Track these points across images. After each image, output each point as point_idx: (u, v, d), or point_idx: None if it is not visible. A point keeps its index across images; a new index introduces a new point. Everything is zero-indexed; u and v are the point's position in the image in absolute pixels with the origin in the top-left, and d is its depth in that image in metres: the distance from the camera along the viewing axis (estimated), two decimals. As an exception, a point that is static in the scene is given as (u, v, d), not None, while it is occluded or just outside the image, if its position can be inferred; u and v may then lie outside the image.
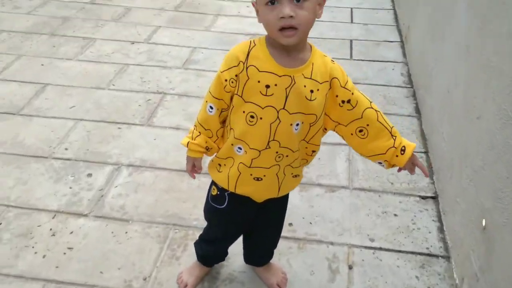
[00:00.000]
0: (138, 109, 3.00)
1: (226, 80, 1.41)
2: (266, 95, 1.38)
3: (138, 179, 2.47)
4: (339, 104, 1.45)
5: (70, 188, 2.40)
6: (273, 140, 1.44)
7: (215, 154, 1.60)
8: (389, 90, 3.26)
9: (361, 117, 1.47)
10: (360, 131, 1.49)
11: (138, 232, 2.17)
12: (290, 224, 2.22)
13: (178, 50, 3.67)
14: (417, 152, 2.63)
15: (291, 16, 1.26)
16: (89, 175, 2.48)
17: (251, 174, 1.51)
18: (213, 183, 1.67)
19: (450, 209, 2.18)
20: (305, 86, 1.38)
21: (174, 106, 3.03)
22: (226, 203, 1.64)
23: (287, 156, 1.49)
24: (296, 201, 2.34)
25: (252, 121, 1.42)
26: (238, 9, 4.42)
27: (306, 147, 1.54)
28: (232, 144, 1.50)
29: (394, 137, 1.50)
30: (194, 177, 1.68)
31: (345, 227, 2.22)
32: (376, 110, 1.49)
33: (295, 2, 1.27)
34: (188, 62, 3.53)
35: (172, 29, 4.00)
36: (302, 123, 1.44)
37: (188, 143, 1.56)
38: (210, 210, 1.73)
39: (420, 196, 2.40)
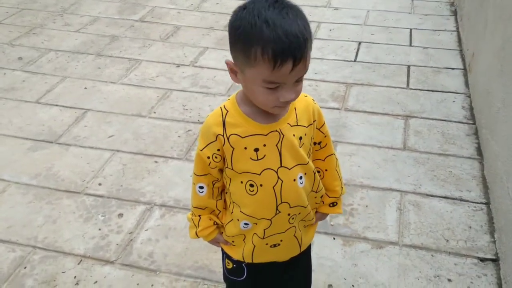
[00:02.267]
0: (177, 140, 2.86)
1: (208, 158, 1.29)
2: (258, 159, 1.25)
3: (169, 222, 2.32)
4: (311, 144, 1.38)
5: (99, 229, 2.29)
6: (282, 203, 1.30)
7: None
8: (449, 126, 2.97)
9: (323, 160, 1.44)
10: (318, 171, 1.42)
11: (164, 286, 2.02)
12: (330, 286, 2.01)
13: (223, 75, 3.51)
14: (477, 203, 2.38)
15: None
16: (120, 215, 2.36)
17: (266, 244, 1.38)
18: (224, 254, 1.51)
19: (514, 281, 1.91)
20: (294, 135, 1.27)
21: (214, 138, 2.88)
22: (245, 275, 1.49)
23: (299, 213, 1.36)
24: (338, 257, 2.13)
25: (253, 190, 1.29)
26: (289, 29, 4.23)
27: (315, 197, 1.42)
28: (238, 220, 1.36)
29: (341, 188, 1.48)
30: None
31: (391, 293, 1.99)
32: (336, 159, 1.47)
33: (295, 82, 1.15)
34: (232, 88, 3.37)
35: (219, 51, 3.85)
36: (305, 174, 1.32)
37: (196, 233, 1.44)
38: (229, 282, 1.58)
39: (478, 258, 2.13)
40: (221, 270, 2.06)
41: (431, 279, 2.04)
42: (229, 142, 1.25)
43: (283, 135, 1.25)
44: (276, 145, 1.25)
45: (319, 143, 1.40)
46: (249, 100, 1.22)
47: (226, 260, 1.52)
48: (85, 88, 3.39)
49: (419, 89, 3.36)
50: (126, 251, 2.18)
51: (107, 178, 2.59)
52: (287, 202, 1.30)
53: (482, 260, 2.12)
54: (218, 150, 1.27)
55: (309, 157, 1.33)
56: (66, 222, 2.33)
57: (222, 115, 1.26)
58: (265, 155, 1.25)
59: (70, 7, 4.66)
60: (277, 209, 1.30)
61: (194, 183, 1.37)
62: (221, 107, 1.28)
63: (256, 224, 1.34)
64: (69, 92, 3.35)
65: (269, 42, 1.05)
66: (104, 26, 4.29)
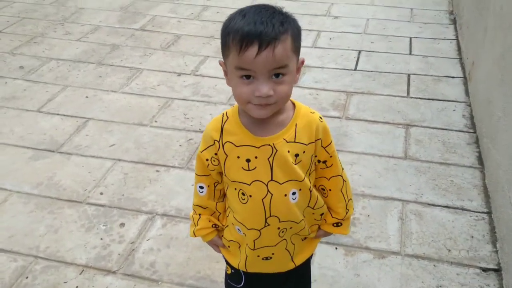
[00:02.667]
0: (179, 149, 2.87)
1: (207, 160, 1.31)
2: (249, 170, 1.26)
3: (171, 231, 2.32)
4: (315, 162, 1.35)
5: (101, 239, 2.28)
6: (271, 216, 1.29)
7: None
8: (449, 135, 2.98)
9: (328, 180, 1.39)
10: (322, 189, 1.42)
11: (166, 296, 2.02)
12: (332, 296, 2.01)
13: (224, 84, 3.45)
14: (479, 212, 2.38)
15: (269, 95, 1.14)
16: (122, 224, 2.36)
17: (258, 256, 1.38)
18: (225, 259, 1.52)
19: (517, 291, 1.91)
20: (288, 152, 1.25)
21: (215, 147, 2.89)
22: (243, 282, 1.50)
23: (291, 228, 1.35)
24: (340, 267, 2.13)
25: (244, 199, 1.30)
26: (289, 37, 4.23)
27: (313, 213, 1.39)
28: (232, 224, 1.39)
29: (347, 211, 1.44)
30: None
31: (394, 303, 1.99)
32: (344, 180, 1.41)
33: (274, 78, 1.14)
34: (233, 97, 3.37)
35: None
36: (300, 190, 1.30)
37: (194, 232, 1.46)
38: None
39: (480, 268, 2.13)
40: (223, 280, 2.07)
41: (433, 289, 2.04)
42: (223, 148, 1.27)
43: (276, 150, 1.24)
44: (268, 158, 1.25)
45: (324, 162, 1.36)
46: (241, 109, 1.25)
47: (227, 266, 1.53)
48: (86, 97, 3.40)
49: (419, 98, 3.36)
50: (128, 261, 2.18)
51: (109, 187, 2.59)
52: (276, 216, 1.30)
53: (485, 270, 2.12)
54: (216, 154, 1.29)
55: (309, 175, 1.33)
56: (68, 231, 2.33)
57: (222, 121, 1.28)
58: (255, 167, 1.25)
59: (71, 16, 4.68)
60: (266, 221, 1.30)
61: (195, 183, 1.40)
62: (223, 113, 1.30)
63: (246, 235, 1.35)
64: (70, 101, 3.35)
65: (239, 28, 1.11)
66: (105, 35, 4.30)
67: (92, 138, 2.97)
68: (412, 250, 2.21)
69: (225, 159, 1.28)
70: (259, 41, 1.09)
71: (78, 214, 2.42)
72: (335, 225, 1.45)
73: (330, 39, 4.21)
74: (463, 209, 2.43)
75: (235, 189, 1.30)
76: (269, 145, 1.24)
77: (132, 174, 2.68)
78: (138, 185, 2.61)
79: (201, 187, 1.38)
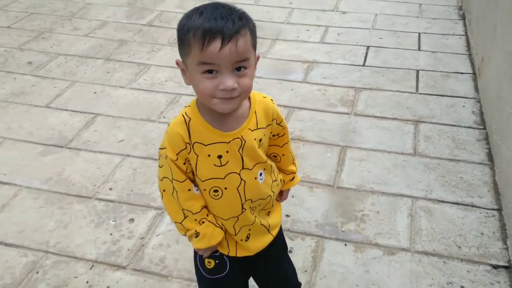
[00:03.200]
0: (187, 145, 2.86)
1: (184, 163, 1.31)
2: (222, 166, 1.30)
3: (181, 227, 2.32)
4: (270, 137, 1.44)
5: (111, 234, 2.29)
6: (246, 201, 1.36)
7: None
8: (459, 131, 2.96)
9: (281, 147, 1.49)
10: (275, 156, 1.50)
11: (176, 292, 2.02)
12: (342, 292, 2.00)
13: (232, 80, 3.51)
14: (489, 209, 2.37)
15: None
16: (131, 220, 2.37)
17: (241, 240, 1.43)
18: (200, 258, 1.50)
19: (528, 288, 1.90)
20: (255, 139, 1.33)
21: (224, 143, 2.88)
22: (228, 268, 1.48)
23: (259, 205, 1.43)
24: (350, 263, 2.12)
25: (217, 195, 1.34)
26: (297, 33, 4.23)
27: (278, 185, 1.49)
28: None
29: (295, 164, 1.58)
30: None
31: (404, 300, 1.98)
32: (289, 143, 1.53)
33: (236, 72, 1.18)
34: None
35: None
36: (264, 169, 1.39)
37: (208, 241, 1.38)
38: (211, 284, 1.54)
39: (491, 265, 2.12)
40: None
41: (443, 286, 2.03)
42: (193, 149, 1.28)
43: (245, 141, 1.29)
44: (238, 150, 1.30)
45: (277, 134, 1.45)
46: (204, 104, 1.26)
47: (206, 261, 1.48)
48: (95, 92, 3.40)
49: (428, 94, 3.35)
50: (137, 256, 2.18)
51: (118, 183, 2.60)
52: (250, 199, 1.37)
53: (495, 267, 2.11)
54: (187, 157, 1.30)
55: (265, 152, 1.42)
56: (78, 227, 2.33)
57: (186, 122, 1.28)
58: (228, 161, 1.29)
59: (78, 11, 4.68)
60: (242, 207, 1.36)
61: (180, 191, 1.33)
62: (183, 115, 1.30)
63: (224, 225, 1.39)
64: (79, 96, 3.36)
65: (199, 25, 1.14)
66: (113, 31, 4.30)
67: (100, 133, 2.98)
68: (422, 247, 2.20)
69: (196, 159, 1.29)
70: (221, 36, 1.13)
71: (87, 210, 2.43)
72: (291, 180, 1.57)
73: (338, 34, 4.19)
74: (473, 206, 2.42)
75: (205, 189, 1.34)
76: (238, 137, 1.29)
77: (141, 170, 2.69)
78: (147, 180, 2.61)
79: (193, 187, 1.34)
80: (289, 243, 2.21)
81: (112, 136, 2.95)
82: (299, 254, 2.18)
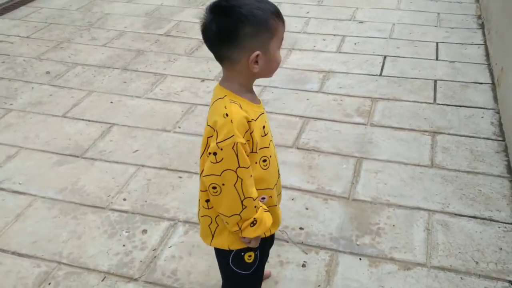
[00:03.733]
0: (201, 156, 2.86)
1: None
2: (265, 135, 1.46)
3: (193, 238, 2.31)
4: None
5: (124, 246, 2.29)
6: (278, 166, 1.59)
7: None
8: (477, 142, 2.91)
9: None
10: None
11: (188, 305, 2.01)
12: (356, 308, 1.97)
13: (247, 90, 3.50)
14: (508, 223, 2.31)
15: None
16: (144, 231, 2.36)
17: (278, 207, 1.61)
18: (236, 261, 1.58)
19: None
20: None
21: (238, 154, 2.87)
22: (258, 259, 1.61)
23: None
24: (364, 278, 2.09)
25: (266, 165, 1.47)
26: (314, 42, 4.21)
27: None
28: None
29: None
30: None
31: (419, 316, 1.94)
32: None
33: None
34: (257, 103, 3.35)
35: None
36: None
37: (255, 222, 1.46)
38: (250, 278, 1.65)
39: (509, 282, 2.07)
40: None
41: (460, 303, 1.98)
42: (252, 126, 1.39)
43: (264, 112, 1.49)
44: (266, 120, 1.49)
45: None
46: (243, 87, 1.40)
47: (247, 256, 1.56)
48: (111, 102, 3.42)
49: (446, 104, 3.30)
50: (150, 268, 2.17)
51: (132, 193, 2.60)
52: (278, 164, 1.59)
53: (514, 283, 2.06)
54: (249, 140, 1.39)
55: None
56: (91, 237, 2.34)
57: (239, 105, 1.37)
58: (268, 131, 1.48)
59: (96, 21, 4.73)
60: (278, 171, 1.57)
61: (246, 177, 1.37)
62: (229, 101, 1.36)
63: (271, 197, 1.52)
64: (95, 106, 3.38)
65: (272, 8, 1.35)
66: (130, 41, 4.33)
67: (116, 143, 2.99)
68: (438, 262, 2.16)
69: (253, 133, 1.38)
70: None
71: (101, 220, 2.43)
72: None
73: (355, 44, 4.16)
74: (491, 220, 2.37)
75: (256, 162, 1.43)
76: (264, 109, 1.48)
77: (155, 180, 2.68)
78: (161, 191, 2.61)
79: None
80: (303, 257, 2.19)
81: (127, 146, 2.96)
82: (313, 268, 2.15)
